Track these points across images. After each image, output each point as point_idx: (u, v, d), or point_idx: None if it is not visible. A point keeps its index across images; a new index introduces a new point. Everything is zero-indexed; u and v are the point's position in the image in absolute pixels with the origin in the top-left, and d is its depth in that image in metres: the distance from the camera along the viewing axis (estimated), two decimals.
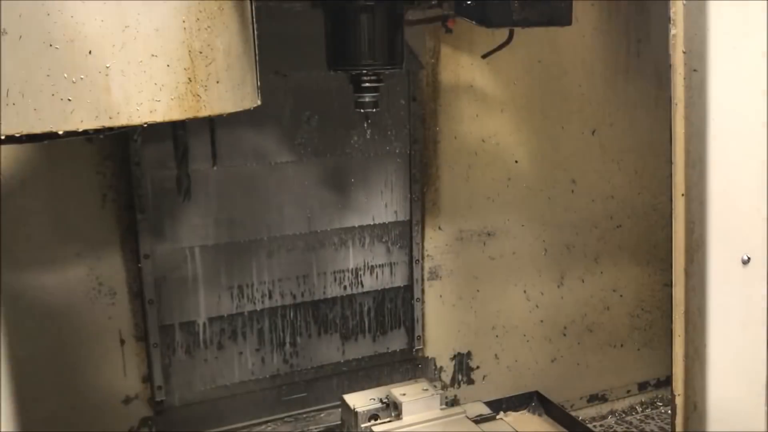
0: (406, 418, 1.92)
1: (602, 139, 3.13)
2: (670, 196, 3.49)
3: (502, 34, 2.33)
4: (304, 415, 2.77)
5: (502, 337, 3.11)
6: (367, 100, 2.19)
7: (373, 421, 1.95)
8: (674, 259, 1.40)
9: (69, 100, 1.17)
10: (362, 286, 2.79)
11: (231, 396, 2.65)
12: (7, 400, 2.29)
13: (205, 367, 2.59)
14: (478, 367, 3.09)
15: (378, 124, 2.67)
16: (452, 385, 3.06)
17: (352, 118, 2.60)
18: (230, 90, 1.42)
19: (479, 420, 2.04)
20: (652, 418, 3.37)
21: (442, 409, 1.99)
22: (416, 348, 2.93)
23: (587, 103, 3.07)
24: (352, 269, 2.77)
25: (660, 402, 3.44)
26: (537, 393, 2.23)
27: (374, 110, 2.22)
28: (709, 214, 1.34)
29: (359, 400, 1.98)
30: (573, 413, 2.22)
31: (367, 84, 2.16)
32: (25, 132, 1.15)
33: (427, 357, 2.97)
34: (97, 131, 1.29)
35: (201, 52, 1.33)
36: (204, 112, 1.36)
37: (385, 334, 2.87)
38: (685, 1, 1.29)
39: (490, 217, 2.99)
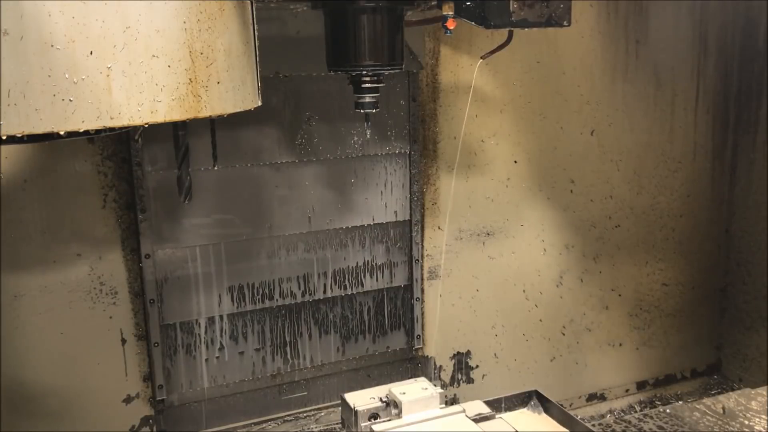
0: (406, 416, 1.92)
1: (601, 140, 3.14)
2: (668, 196, 3.51)
3: (501, 34, 2.33)
4: (305, 414, 2.78)
5: (502, 337, 3.11)
6: (367, 100, 2.19)
7: (373, 420, 1.95)
8: None
9: (70, 100, 1.18)
10: (362, 285, 2.80)
11: (232, 395, 2.66)
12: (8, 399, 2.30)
13: (206, 366, 2.60)
14: (477, 366, 3.10)
15: (378, 125, 2.68)
16: (452, 384, 3.07)
17: (352, 118, 2.61)
18: (231, 90, 1.42)
19: (479, 419, 2.04)
20: (651, 417, 3.38)
21: (441, 408, 1.99)
22: (416, 347, 2.94)
23: (586, 104, 3.08)
24: (352, 269, 2.77)
25: (658, 401, 3.45)
26: (536, 392, 2.23)
27: (374, 111, 2.22)
28: None
29: (359, 399, 1.98)
30: (572, 412, 2.23)
31: (368, 84, 2.16)
32: (26, 132, 1.16)
33: (427, 356, 2.98)
34: (98, 131, 1.30)
35: (202, 53, 1.34)
36: (205, 113, 1.37)
37: (385, 334, 2.88)
38: None
39: (490, 217, 3.00)
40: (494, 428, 1.99)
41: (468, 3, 2.13)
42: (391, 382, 2.07)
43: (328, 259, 2.73)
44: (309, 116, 2.59)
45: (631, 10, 3.08)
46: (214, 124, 1.87)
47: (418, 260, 2.86)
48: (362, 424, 1.94)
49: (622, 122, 3.17)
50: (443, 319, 2.98)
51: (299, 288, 2.69)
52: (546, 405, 2.20)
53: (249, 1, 1.52)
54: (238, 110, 1.47)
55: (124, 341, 2.48)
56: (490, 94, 2.89)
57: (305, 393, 2.78)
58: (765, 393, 2.60)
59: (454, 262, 2.97)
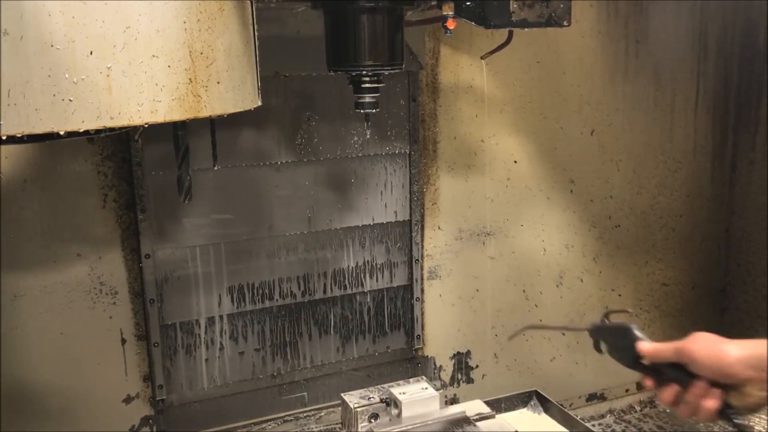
0: (406, 416, 1.93)
1: (601, 140, 3.14)
2: (668, 196, 3.51)
3: (501, 34, 2.33)
4: (305, 414, 2.78)
5: (501, 337, 3.11)
6: (367, 100, 2.19)
7: (372, 420, 1.95)
8: None
9: (70, 100, 1.18)
10: (362, 286, 2.80)
11: (231, 395, 2.66)
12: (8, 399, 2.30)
13: (206, 366, 2.60)
14: (477, 366, 3.10)
15: (378, 125, 2.68)
16: (452, 384, 3.07)
17: (352, 118, 2.61)
18: (231, 90, 1.43)
19: (478, 419, 2.05)
20: (651, 417, 3.38)
21: (441, 408, 1.99)
22: (416, 347, 2.94)
23: (586, 104, 3.08)
24: (352, 269, 2.77)
25: (658, 401, 3.45)
26: (536, 392, 2.23)
27: (374, 111, 2.22)
28: None
29: (359, 399, 1.98)
30: (572, 412, 2.23)
31: (368, 84, 2.16)
32: (26, 132, 1.16)
33: (427, 356, 2.98)
34: (98, 131, 1.30)
35: (202, 53, 1.34)
36: (204, 113, 1.37)
37: (385, 334, 2.88)
38: None
39: (490, 217, 3.00)
40: (494, 428, 1.99)
41: (468, 3, 2.13)
42: (391, 382, 2.07)
43: (328, 259, 2.73)
44: (309, 116, 2.59)
45: (631, 10, 3.08)
46: (214, 124, 1.87)
47: (418, 260, 2.86)
48: (362, 425, 1.94)
49: (622, 122, 3.17)
50: (443, 319, 2.98)
51: (299, 288, 2.69)
52: (546, 405, 2.20)
53: (249, 1, 1.52)
54: (238, 110, 1.47)
55: (124, 341, 2.48)
56: (490, 94, 2.89)
57: (305, 393, 2.78)
58: None
59: (454, 262, 2.97)
